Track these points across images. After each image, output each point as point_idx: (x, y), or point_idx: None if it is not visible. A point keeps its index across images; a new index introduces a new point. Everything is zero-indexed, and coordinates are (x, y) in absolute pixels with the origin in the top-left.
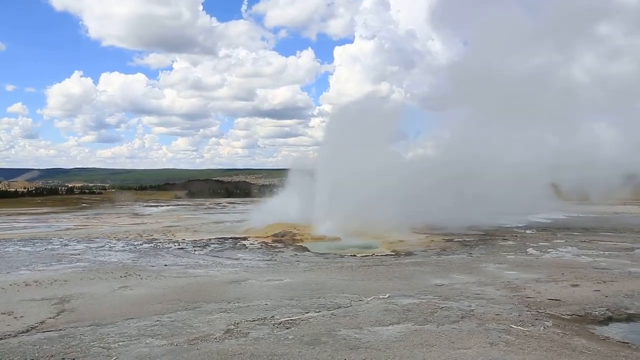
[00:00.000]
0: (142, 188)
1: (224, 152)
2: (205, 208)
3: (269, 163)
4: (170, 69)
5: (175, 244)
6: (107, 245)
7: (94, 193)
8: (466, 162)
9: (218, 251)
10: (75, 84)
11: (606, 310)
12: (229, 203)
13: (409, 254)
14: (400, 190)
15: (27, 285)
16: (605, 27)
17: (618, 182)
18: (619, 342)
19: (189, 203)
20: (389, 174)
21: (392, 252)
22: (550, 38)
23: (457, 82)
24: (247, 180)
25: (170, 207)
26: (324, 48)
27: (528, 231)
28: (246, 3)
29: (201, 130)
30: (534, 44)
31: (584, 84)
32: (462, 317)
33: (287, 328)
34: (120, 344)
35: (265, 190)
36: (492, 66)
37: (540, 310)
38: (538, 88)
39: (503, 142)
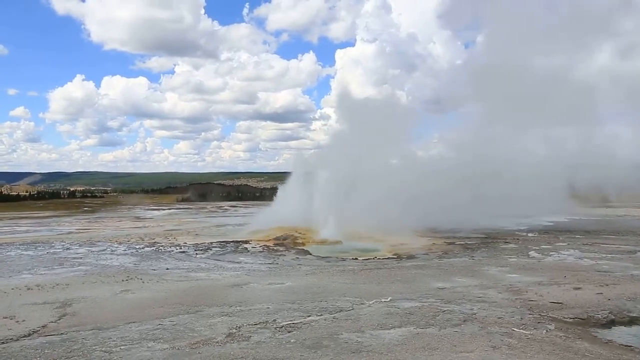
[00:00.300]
0: (144, 191)
1: (226, 156)
2: (207, 211)
3: (271, 166)
4: (172, 72)
5: (177, 247)
6: (108, 249)
7: (95, 197)
8: (468, 164)
9: (220, 255)
10: (77, 87)
11: (609, 313)
12: (230, 206)
13: (410, 257)
14: (402, 193)
15: (29, 289)
16: (625, 23)
17: (636, 183)
18: (622, 345)
19: (190, 206)
20: (390, 177)
21: (393, 255)
22: (568, 36)
23: (464, 83)
24: (248, 184)
25: (172, 210)
26: (326, 51)
27: (530, 234)
28: (248, 6)
29: (203, 133)
30: (548, 42)
31: (602, 83)
32: (464, 321)
33: (289, 332)
34: (122, 347)
35: (270, 193)
36: (504, 65)
37: (542, 314)
38: (552, 88)
39: (510, 143)
